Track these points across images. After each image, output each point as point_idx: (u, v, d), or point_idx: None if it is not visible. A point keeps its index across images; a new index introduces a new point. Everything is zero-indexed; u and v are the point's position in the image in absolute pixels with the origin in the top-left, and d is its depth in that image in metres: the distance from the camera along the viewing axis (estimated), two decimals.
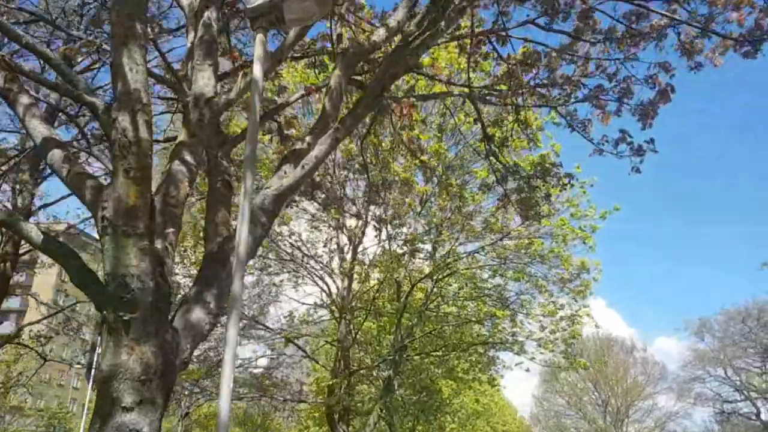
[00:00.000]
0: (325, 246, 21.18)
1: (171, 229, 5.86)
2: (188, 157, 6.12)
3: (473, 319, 19.76)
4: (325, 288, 21.37)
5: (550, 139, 14.91)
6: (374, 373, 28.50)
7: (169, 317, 5.77)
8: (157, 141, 9.27)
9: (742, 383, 70.04)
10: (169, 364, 5.52)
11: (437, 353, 22.60)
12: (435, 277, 20.00)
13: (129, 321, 5.30)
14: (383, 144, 12.35)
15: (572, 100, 10.05)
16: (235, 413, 32.55)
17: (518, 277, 17.56)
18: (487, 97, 9.36)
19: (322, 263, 20.70)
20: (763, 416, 69.76)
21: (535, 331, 19.32)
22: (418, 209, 17.80)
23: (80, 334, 25.59)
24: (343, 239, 20.21)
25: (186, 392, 24.84)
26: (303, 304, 23.42)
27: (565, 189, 11.34)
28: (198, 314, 5.97)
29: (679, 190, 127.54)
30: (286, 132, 8.17)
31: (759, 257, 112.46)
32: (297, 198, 20.14)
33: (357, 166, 11.60)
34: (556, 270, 18.25)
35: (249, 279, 25.84)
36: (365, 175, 11.91)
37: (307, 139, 6.83)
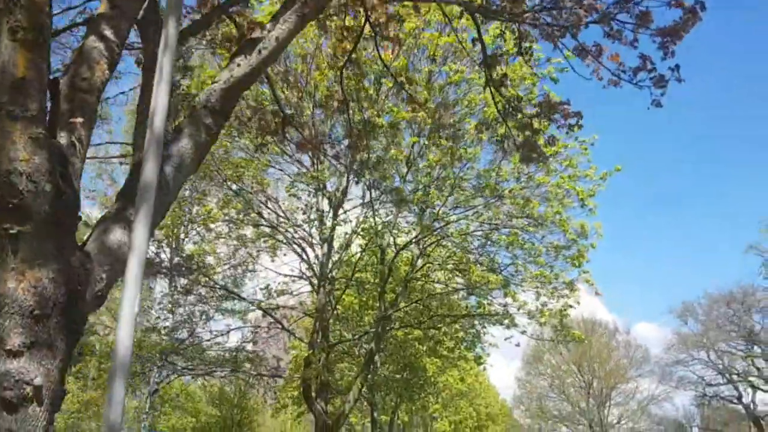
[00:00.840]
0: (304, 213, 19.76)
1: (79, 119, 4.42)
2: (108, 33, 4.68)
3: (462, 286, 18.43)
4: (305, 257, 19.96)
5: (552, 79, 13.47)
6: (356, 351, 27.22)
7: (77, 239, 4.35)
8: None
9: (724, 367, 69.76)
10: (74, 296, 4.10)
11: (423, 325, 21.26)
12: (421, 245, 18.66)
13: (17, 236, 3.87)
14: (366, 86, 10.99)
15: (583, 22, 8.66)
16: (209, 391, 31.11)
17: (512, 240, 16.19)
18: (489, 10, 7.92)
19: (302, 230, 19.28)
20: (744, 399, 69.77)
21: (529, 301, 18.07)
22: (403, 158, 16.32)
23: None
24: (324, 205, 18.78)
25: (155, 367, 23.40)
26: (280, 274, 21.77)
27: (572, 131, 9.95)
28: (118, 235, 4.54)
29: (658, 173, 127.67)
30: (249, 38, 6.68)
31: (742, 239, 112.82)
32: (276, 157, 18.73)
33: (336, 104, 10.15)
34: (550, 237, 17.01)
35: (224, 250, 24.43)
36: (345, 114, 10.44)
37: (267, 26, 5.42)
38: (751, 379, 67.75)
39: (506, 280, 16.38)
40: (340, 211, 18.46)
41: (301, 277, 21.91)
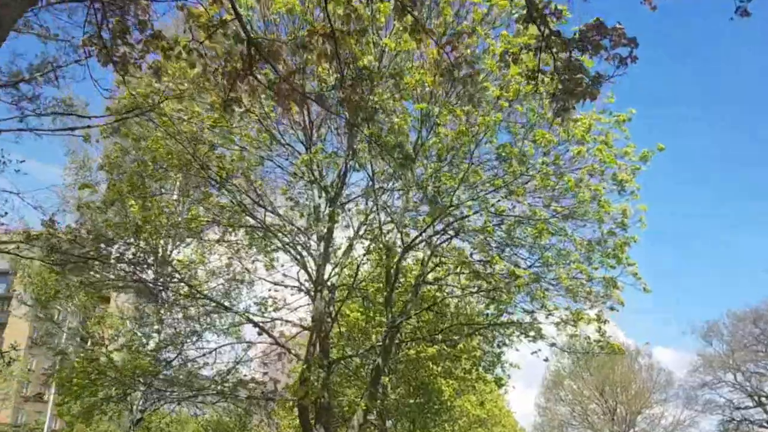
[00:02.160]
0: (301, 216, 17.05)
1: None
2: None
3: (484, 286, 15.55)
4: (305, 267, 17.18)
5: None
6: (364, 372, 24.32)
7: None
8: None
9: (753, 389, 65.85)
10: None
11: (437, 338, 18.36)
12: (433, 242, 15.91)
13: None
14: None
15: None
16: (202, 420, 27.98)
17: (539, 231, 13.26)
18: None
19: (301, 235, 16.49)
20: None
21: (560, 305, 15.13)
22: (408, 129, 13.65)
23: None
24: (319, 198, 16.03)
25: (138, 392, 20.57)
26: (276, 284, 19.01)
27: (624, 66, 7.32)
28: None
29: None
30: None
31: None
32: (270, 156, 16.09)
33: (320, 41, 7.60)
34: (583, 231, 14.16)
35: (217, 263, 21.78)
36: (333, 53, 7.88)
37: None
38: None
39: (536, 275, 13.49)
40: (340, 206, 15.72)
41: (299, 289, 19.17)
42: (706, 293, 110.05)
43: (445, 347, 24.14)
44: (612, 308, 14.44)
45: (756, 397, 65.22)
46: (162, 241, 23.40)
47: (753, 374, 65.07)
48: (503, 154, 12.96)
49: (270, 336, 17.02)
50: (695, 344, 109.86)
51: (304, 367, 15.08)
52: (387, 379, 26.05)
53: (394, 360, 25.76)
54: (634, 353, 70.67)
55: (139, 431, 21.44)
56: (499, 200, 13.89)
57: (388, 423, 29.33)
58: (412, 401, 25.25)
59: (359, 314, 24.59)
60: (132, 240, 16.98)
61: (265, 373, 22.73)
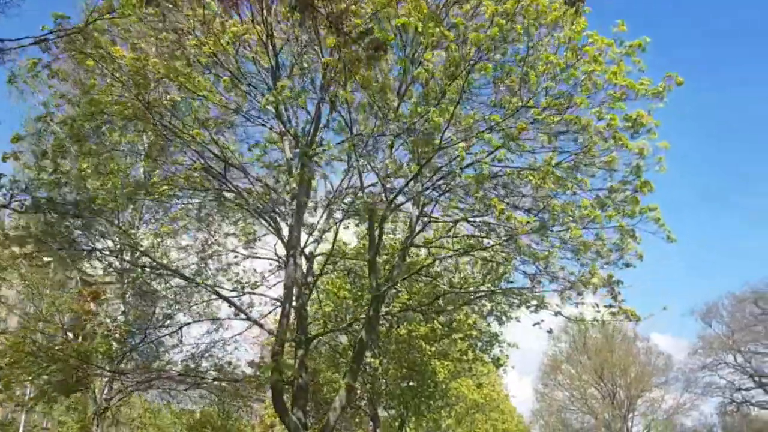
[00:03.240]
0: (274, 178, 15.01)
1: None
2: None
3: (480, 245, 13.55)
4: (274, 227, 15.10)
5: None
6: (351, 354, 22.29)
7: None
8: None
9: (753, 369, 64.25)
10: None
11: (426, 308, 16.35)
12: (420, 201, 13.87)
13: None
14: None
15: None
16: (182, 411, 25.81)
17: (544, 173, 11.17)
18: None
19: (274, 195, 14.40)
20: None
21: (568, 265, 13.09)
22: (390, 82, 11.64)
23: None
24: (289, 152, 13.95)
25: (100, 378, 18.48)
26: (250, 256, 17.00)
27: None
28: None
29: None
30: None
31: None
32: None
33: None
34: (593, 176, 12.09)
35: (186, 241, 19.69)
36: None
37: None
38: None
39: (542, 223, 11.35)
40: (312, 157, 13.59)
41: (276, 262, 17.15)
42: (706, 274, 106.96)
43: (438, 323, 22.21)
44: (627, 265, 12.40)
45: (757, 378, 63.65)
46: (128, 215, 21.40)
47: (754, 354, 63.49)
48: (501, 75, 10.85)
49: (240, 311, 14.94)
50: (693, 330, 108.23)
51: (275, 343, 13.05)
52: (377, 361, 24.12)
53: (385, 341, 23.82)
54: (632, 337, 69.00)
55: (106, 422, 19.34)
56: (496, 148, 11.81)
57: (380, 411, 27.41)
58: (404, 384, 23.29)
59: (346, 292, 22.63)
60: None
61: (253, 360, 20.67)
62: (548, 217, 11.49)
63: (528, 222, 10.73)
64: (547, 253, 12.69)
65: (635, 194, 11.27)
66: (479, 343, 24.68)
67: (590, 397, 66.28)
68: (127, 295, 20.39)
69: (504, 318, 19.29)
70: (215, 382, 17.10)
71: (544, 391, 68.71)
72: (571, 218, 11.16)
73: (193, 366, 18.04)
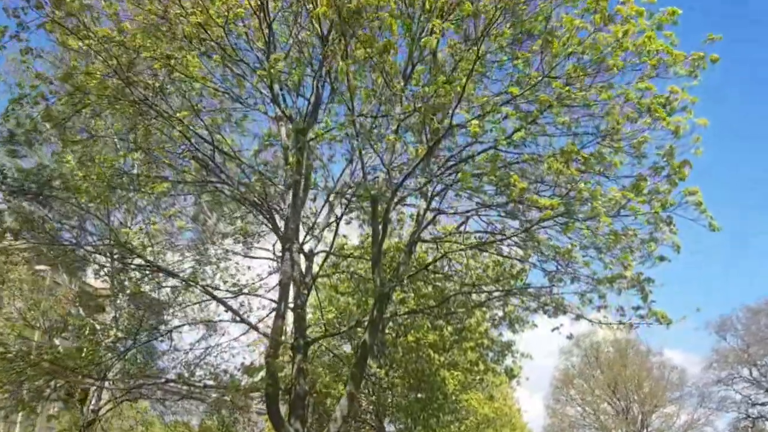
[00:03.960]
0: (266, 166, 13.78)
1: None
2: None
3: (494, 238, 12.23)
4: (271, 221, 13.82)
5: None
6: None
7: None
8: None
9: None
10: None
11: (435, 310, 14.97)
12: (429, 191, 12.60)
13: None
14: None
15: None
16: (184, 427, 24.41)
17: (568, 155, 9.79)
18: None
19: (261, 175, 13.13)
20: None
21: (592, 260, 11.70)
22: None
23: None
24: (286, 138, 12.70)
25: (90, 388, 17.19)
26: (246, 256, 15.79)
27: None
28: None
29: None
30: None
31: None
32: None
33: None
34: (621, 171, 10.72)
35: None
36: None
37: None
38: None
39: (567, 205, 9.93)
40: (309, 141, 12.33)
41: (276, 262, 15.87)
42: (720, 288, 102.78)
43: (447, 331, 20.83)
44: (662, 258, 11.03)
45: None
46: (121, 216, 20.24)
47: None
48: (517, 47, 9.57)
49: (234, 312, 13.61)
50: (706, 345, 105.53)
51: (268, 346, 11.74)
52: (383, 371, 22.71)
53: (391, 349, 22.43)
54: (645, 351, 67.04)
55: None
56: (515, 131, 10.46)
57: (386, 424, 25.96)
58: (411, 396, 21.85)
59: (350, 297, 21.31)
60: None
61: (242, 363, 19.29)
62: (573, 203, 10.11)
63: (552, 205, 9.36)
64: (569, 246, 11.36)
65: (671, 177, 9.91)
66: (491, 353, 23.31)
67: (603, 413, 64.29)
68: (118, 300, 19.19)
69: (518, 325, 17.95)
70: (208, 391, 15.74)
71: (556, 407, 66.73)
72: (600, 203, 9.79)
73: (187, 374, 16.75)
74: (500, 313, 17.18)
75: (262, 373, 11.81)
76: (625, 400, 62.33)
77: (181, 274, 16.01)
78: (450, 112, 10.08)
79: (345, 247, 16.99)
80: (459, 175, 10.57)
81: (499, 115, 10.03)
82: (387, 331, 22.95)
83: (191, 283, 13.93)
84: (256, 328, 13.64)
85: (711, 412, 65.27)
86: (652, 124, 10.25)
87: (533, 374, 66.53)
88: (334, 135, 11.21)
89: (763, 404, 62.84)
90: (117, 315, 18.43)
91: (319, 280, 23.24)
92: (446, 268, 16.06)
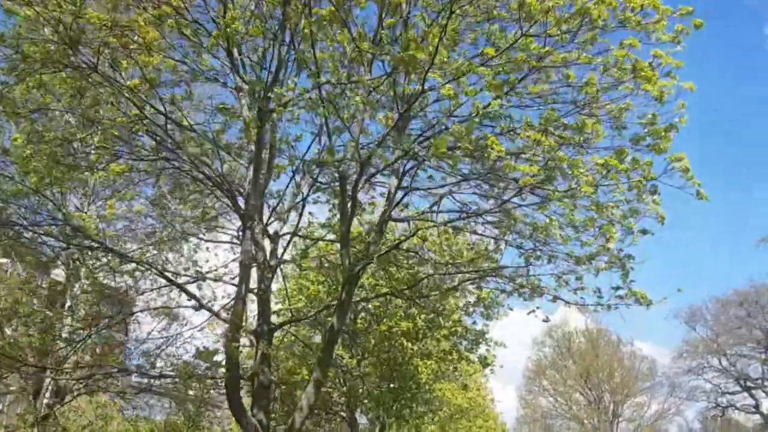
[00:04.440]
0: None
1: None
2: None
3: (468, 216, 11.55)
4: (232, 199, 12.90)
5: None
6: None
7: None
8: None
9: (738, 373, 62.86)
10: None
11: (408, 294, 14.23)
12: (400, 166, 11.85)
13: None
14: None
15: None
16: (146, 422, 23.28)
17: (546, 121, 9.10)
18: None
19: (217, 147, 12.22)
20: (763, 408, 62.71)
21: (571, 238, 11.02)
22: None
23: None
24: (247, 111, 11.79)
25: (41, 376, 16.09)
26: (208, 241, 14.89)
27: None
28: None
29: None
30: None
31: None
32: None
33: None
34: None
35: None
36: None
37: None
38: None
39: (547, 171, 9.15)
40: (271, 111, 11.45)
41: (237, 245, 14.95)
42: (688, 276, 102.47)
43: (420, 319, 20.19)
44: (644, 231, 10.43)
45: (742, 381, 62.29)
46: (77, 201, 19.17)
47: (739, 357, 62.16)
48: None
49: (193, 297, 12.71)
50: (675, 337, 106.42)
51: (227, 330, 10.89)
52: (355, 360, 21.97)
53: (362, 338, 21.71)
54: (616, 342, 67.33)
55: (48, 429, 16.91)
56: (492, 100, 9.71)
57: (358, 416, 25.23)
58: (384, 386, 21.15)
59: (320, 287, 20.51)
60: None
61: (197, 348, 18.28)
62: (553, 171, 9.39)
63: (531, 171, 8.64)
64: (547, 221, 10.69)
65: (656, 143, 9.28)
66: (464, 342, 22.73)
67: (575, 403, 64.43)
68: (75, 288, 18.16)
69: (492, 310, 17.31)
70: (166, 383, 14.83)
71: (528, 397, 66.73)
72: (581, 171, 9.12)
73: (147, 366, 15.79)
74: (474, 298, 16.55)
75: (219, 358, 10.95)
76: (596, 390, 62.52)
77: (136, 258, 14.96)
78: (422, 75, 9.31)
79: (311, 228, 16.13)
80: (432, 144, 9.75)
81: (474, 81, 9.28)
82: (359, 320, 22.24)
83: (145, 266, 12.96)
84: (217, 315, 12.73)
85: (681, 402, 65.97)
86: (634, 90, 9.60)
87: (506, 366, 66.31)
88: (297, 101, 10.33)
89: (732, 393, 63.64)
90: (73, 304, 17.38)
91: (288, 269, 22.49)
92: (419, 253, 15.34)
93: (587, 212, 10.50)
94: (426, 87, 9.60)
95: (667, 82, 9.27)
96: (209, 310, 12.60)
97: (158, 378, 13.26)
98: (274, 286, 19.61)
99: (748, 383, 62.14)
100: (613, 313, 12.27)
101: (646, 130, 10.00)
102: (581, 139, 9.69)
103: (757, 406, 62.78)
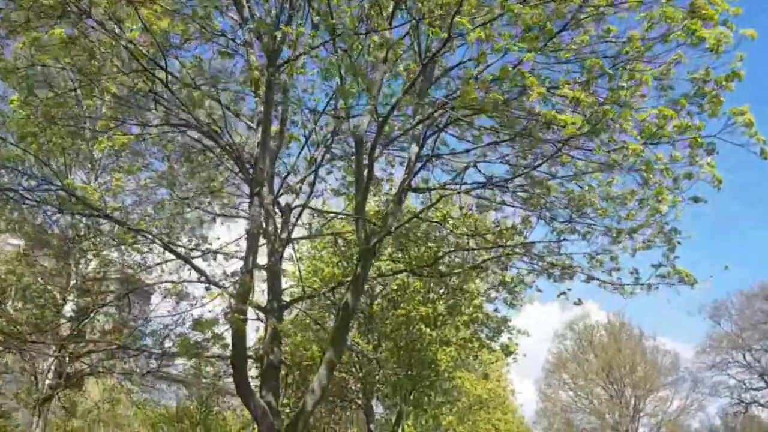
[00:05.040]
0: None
1: None
2: None
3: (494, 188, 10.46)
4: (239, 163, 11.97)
5: None
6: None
7: None
8: None
9: (763, 368, 61.06)
10: None
11: (428, 271, 13.16)
12: (422, 133, 10.80)
13: None
14: None
15: None
16: (154, 407, 22.51)
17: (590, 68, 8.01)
18: None
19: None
20: None
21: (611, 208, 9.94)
22: None
23: None
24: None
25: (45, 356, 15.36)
26: (224, 216, 14.04)
27: None
28: None
29: None
30: None
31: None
32: None
33: None
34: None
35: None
36: None
37: None
38: None
39: (593, 121, 7.97)
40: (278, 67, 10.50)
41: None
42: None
43: (439, 304, 19.20)
44: (696, 199, 9.32)
45: (767, 377, 60.48)
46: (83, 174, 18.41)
47: (765, 353, 60.27)
48: None
49: (197, 270, 11.80)
50: (696, 333, 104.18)
51: (234, 303, 9.96)
52: (371, 346, 21.05)
53: (379, 323, 20.77)
54: (638, 336, 65.75)
55: (51, 416, 16.17)
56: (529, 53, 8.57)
57: (375, 404, 24.32)
58: (402, 373, 20.18)
59: (336, 269, 19.57)
60: None
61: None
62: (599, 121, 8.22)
63: (574, 123, 7.55)
64: (586, 190, 9.63)
65: (715, 95, 8.13)
66: (485, 330, 21.72)
67: (595, 397, 63.02)
68: (81, 265, 17.37)
69: (518, 290, 16.11)
70: (177, 368, 13.99)
71: (548, 391, 65.40)
72: (630, 126, 8.00)
73: (156, 347, 14.95)
74: (498, 281, 15.47)
75: (221, 332, 10.04)
76: (618, 384, 61.06)
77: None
78: (449, 20, 8.26)
79: (326, 204, 15.19)
80: (458, 96, 8.67)
81: (505, 24, 8.22)
82: (375, 304, 21.30)
83: (149, 237, 12.09)
84: (225, 290, 11.80)
85: (704, 397, 64.27)
86: (686, 38, 8.44)
87: (524, 359, 65.02)
88: (308, 51, 9.33)
89: (756, 389, 61.84)
90: (78, 281, 16.62)
91: (304, 250, 21.58)
92: (441, 229, 14.31)
93: (631, 176, 9.41)
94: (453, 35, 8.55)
95: (720, 30, 8.12)
96: (216, 284, 11.68)
97: (162, 357, 12.33)
98: (289, 267, 18.79)
99: None
100: (635, 307, 11.20)
101: (697, 88, 8.86)
102: (626, 93, 8.55)
103: None
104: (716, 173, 8.38)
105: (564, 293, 12.92)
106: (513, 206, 11.28)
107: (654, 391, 61.82)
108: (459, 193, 10.92)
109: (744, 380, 61.52)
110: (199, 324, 9.69)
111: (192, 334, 13.11)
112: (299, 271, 17.16)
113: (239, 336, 10.11)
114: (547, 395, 64.93)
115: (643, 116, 8.50)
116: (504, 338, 21.95)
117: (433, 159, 11.62)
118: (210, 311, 15.70)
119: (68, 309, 16.18)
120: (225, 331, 10.31)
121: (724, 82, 7.85)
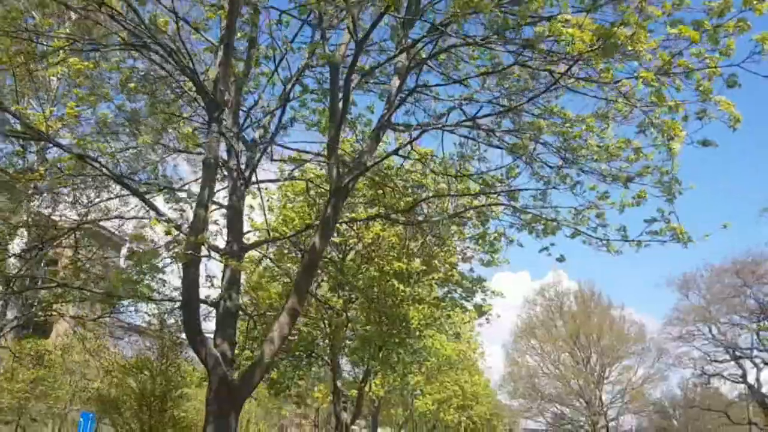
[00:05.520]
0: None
1: None
2: None
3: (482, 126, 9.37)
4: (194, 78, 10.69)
5: None
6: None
7: None
8: None
9: (728, 343, 61.75)
10: None
11: (403, 218, 12.15)
12: (405, 63, 9.66)
13: None
14: None
15: None
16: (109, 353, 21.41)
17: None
18: None
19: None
20: (750, 378, 61.82)
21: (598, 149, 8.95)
22: None
23: None
24: None
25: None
26: (186, 152, 12.85)
27: None
28: None
29: None
30: None
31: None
32: None
33: None
34: None
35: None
36: None
37: None
38: (757, 354, 59.96)
39: (602, 39, 6.85)
40: None
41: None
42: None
43: (416, 258, 18.27)
44: (705, 143, 8.34)
45: (731, 350, 61.22)
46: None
47: (731, 326, 60.88)
48: None
49: (147, 203, 10.60)
50: (661, 307, 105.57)
51: (185, 240, 8.85)
52: (340, 301, 20.14)
53: (351, 278, 19.79)
54: (606, 305, 66.09)
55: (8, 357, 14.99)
56: None
57: (342, 360, 23.57)
58: (372, 328, 19.31)
59: (308, 220, 18.45)
60: None
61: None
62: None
63: (583, 39, 6.48)
64: (583, 128, 8.62)
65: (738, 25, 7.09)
66: (459, 289, 20.92)
67: (562, 363, 63.41)
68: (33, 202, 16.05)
69: (495, 249, 15.17)
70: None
71: (515, 355, 65.67)
72: (644, 49, 6.93)
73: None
74: (478, 233, 14.49)
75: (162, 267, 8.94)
76: (585, 351, 61.41)
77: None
78: None
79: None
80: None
81: None
82: (348, 260, 20.33)
83: (93, 164, 10.80)
84: (179, 228, 10.65)
85: (667, 368, 65.02)
86: None
87: (492, 325, 64.91)
88: None
89: (720, 362, 62.59)
90: (29, 218, 15.33)
91: (275, 199, 20.39)
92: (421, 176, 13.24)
93: (632, 119, 8.41)
94: None
95: None
96: (168, 221, 10.51)
97: (105, 298, 11.17)
98: (257, 218, 17.65)
99: (737, 352, 61.09)
100: (603, 277, 10.32)
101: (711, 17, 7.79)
102: (636, 18, 7.48)
103: (744, 376, 61.84)
104: (734, 111, 7.38)
105: (546, 248, 12.04)
106: (500, 147, 10.18)
107: (619, 359, 62.36)
108: (443, 129, 9.76)
109: (709, 353, 62.26)
110: (133, 255, 8.53)
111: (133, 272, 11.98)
112: (266, 221, 16.02)
113: (190, 277, 9.01)
114: (515, 359, 65.24)
115: (655, 43, 7.46)
116: (478, 299, 21.21)
117: (416, 94, 10.47)
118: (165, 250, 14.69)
119: (16, 245, 14.95)
120: (169, 265, 9.18)
121: (755, 2, 6.76)
